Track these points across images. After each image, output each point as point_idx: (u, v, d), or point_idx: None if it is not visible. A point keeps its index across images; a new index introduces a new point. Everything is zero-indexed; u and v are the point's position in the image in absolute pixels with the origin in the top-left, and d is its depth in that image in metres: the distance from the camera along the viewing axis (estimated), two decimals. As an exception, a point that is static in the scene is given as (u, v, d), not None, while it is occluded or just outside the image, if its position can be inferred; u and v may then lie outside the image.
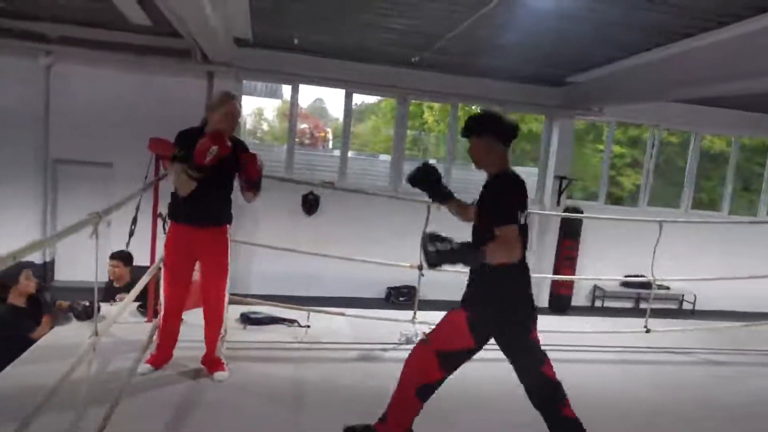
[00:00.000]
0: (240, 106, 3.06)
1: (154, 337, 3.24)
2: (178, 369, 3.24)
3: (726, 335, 5.28)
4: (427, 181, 2.87)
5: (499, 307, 2.61)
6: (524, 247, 2.54)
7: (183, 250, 3.03)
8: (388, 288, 8.29)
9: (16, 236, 7.25)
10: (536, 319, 2.69)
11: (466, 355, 2.67)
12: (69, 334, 3.67)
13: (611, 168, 9.22)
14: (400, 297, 8.27)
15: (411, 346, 4.29)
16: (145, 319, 3.96)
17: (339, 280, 7.65)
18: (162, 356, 3.16)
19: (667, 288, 8.74)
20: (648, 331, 4.73)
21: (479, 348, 2.66)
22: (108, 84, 7.35)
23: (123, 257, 4.62)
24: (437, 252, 2.42)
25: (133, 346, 3.32)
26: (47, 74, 7.28)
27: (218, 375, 3.12)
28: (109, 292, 4.50)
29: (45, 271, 7.54)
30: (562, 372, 3.16)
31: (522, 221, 2.51)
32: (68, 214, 7.69)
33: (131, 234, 3.97)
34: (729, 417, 3.48)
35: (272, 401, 3.09)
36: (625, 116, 8.79)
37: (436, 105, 9.83)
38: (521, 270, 2.62)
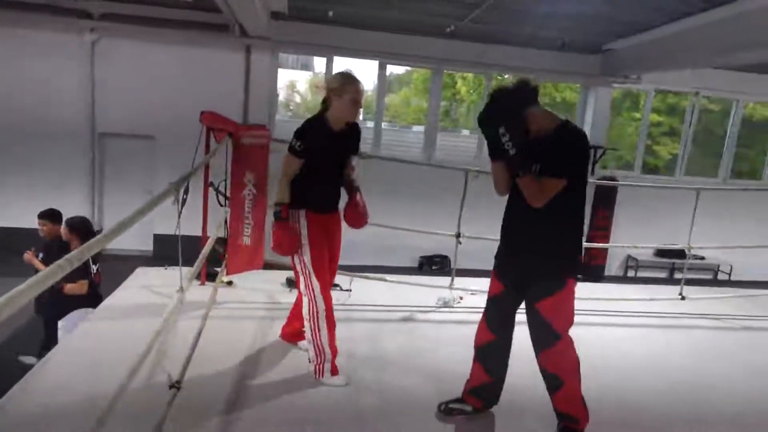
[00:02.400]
0: (362, 87, 2.93)
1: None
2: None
3: (762, 302, 5.29)
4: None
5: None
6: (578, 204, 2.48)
7: (324, 237, 3.00)
8: (421, 257, 8.44)
9: (68, 206, 7.62)
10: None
11: (497, 302, 2.74)
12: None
13: (648, 137, 9.10)
14: (433, 266, 8.43)
15: (448, 309, 4.48)
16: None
17: (373, 249, 7.82)
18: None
19: (702, 258, 8.68)
20: (683, 298, 4.78)
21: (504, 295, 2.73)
22: (149, 59, 7.56)
23: (48, 215, 4.80)
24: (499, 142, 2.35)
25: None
26: (92, 50, 7.52)
27: (302, 343, 3.16)
28: (47, 249, 4.61)
29: (94, 239, 7.93)
30: (596, 336, 3.25)
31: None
32: (114, 185, 8.03)
33: (183, 203, 4.17)
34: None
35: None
36: (663, 84, 8.62)
37: (470, 75, 9.78)
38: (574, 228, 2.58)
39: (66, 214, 7.45)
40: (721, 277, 8.82)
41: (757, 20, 5.08)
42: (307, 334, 2.90)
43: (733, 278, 8.64)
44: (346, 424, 2.69)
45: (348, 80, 2.85)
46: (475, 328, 2.82)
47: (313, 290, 2.88)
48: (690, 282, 5.37)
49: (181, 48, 7.51)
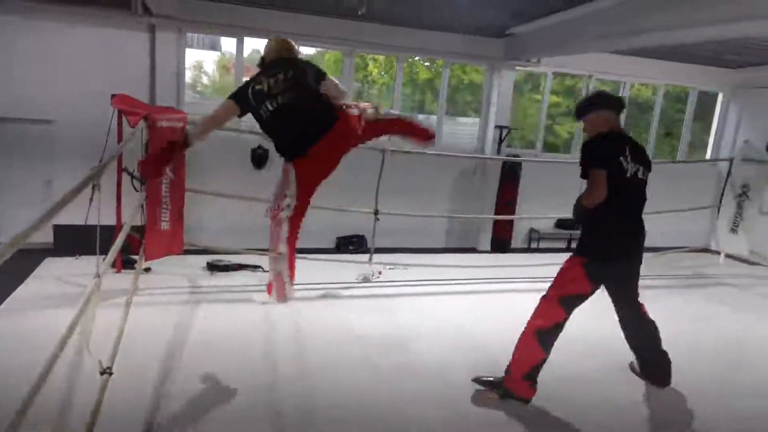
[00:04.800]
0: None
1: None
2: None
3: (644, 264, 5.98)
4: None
5: (604, 251, 3.15)
6: (631, 198, 3.09)
7: (312, 180, 3.35)
8: (338, 237, 8.58)
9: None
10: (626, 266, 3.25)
11: (583, 299, 3.12)
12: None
13: (548, 117, 9.72)
14: (350, 246, 8.59)
15: (368, 284, 4.69)
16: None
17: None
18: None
19: (597, 228, 9.49)
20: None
21: (593, 293, 3.12)
22: (45, 38, 7.05)
23: None
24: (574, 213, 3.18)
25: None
26: (-24, 28, 6.90)
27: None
28: None
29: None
30: (505, 301, 3.58)
31: (629, 171, 3.01)
32: (7, 173, 7.47)
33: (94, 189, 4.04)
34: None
35: (247, 341, 3.37)
36: (560, 67, 9.24)
37: (381, 57, 9.95)
38: (618, 217, 3.11)
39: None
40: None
41: (644, 8, 5.59)
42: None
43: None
44: (271, 397, 2.81)
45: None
46: (395, 300, 3.06)
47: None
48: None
49: (79, 26, 7.06)
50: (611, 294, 3.24)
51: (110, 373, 2.50)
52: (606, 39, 6.47)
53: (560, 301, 3.06)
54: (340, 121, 3.04)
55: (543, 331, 3.06)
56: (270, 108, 2.86)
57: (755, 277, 7.14)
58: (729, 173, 8.08)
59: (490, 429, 2.89)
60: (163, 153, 2.84)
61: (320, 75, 3.14)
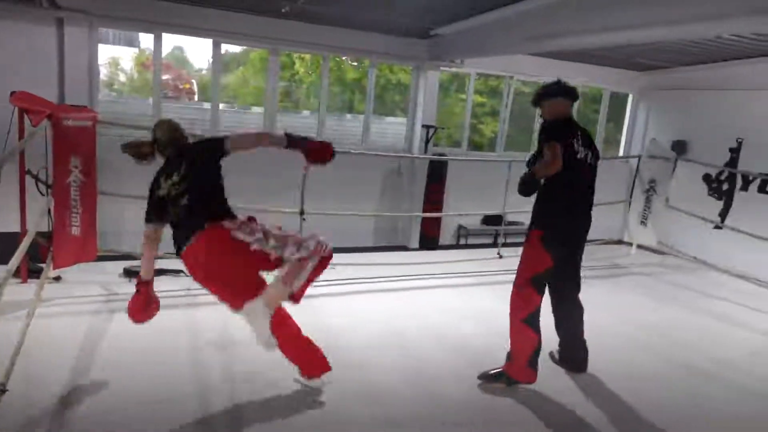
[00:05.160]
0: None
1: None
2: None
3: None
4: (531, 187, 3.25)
5: (556, 222, 3.22)
6: (582, 178, 3.16)
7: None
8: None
9: None
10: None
11: (549, 274, 3.17)
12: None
13: (473, 117, 9.98)
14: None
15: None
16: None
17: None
18: None
19: (521, 224, 9.84)
20: (501, 256, 5.46)
21: (558, 266, 3.24)
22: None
23: None
24: (520, 187, 3.15)
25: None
26: None
27: None
28: None
29: None
30: (435, 296, 3.60)
31: (579, 153, 3.08)
32: None
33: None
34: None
35: (166, 349, 3.23)
36: (483, 68, 9.51)
37: (307, 56, 9.86)
38: (576, 195, 3.19)
39: None
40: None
41: (559, 13, 5.84)
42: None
43: (545, 240, 9.91)
44: (195, 407, 2.71)
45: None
46: (324, 300, 3.04)
47: None
48: (510, 245, 6.14)
49: (-23, 19, 6.54)
50: (557, 272, 3.34)
51: (3, 391, 2.32)
52: (524, 42, 6.72)
53: (531, 283, 3.21)
54: (204, 232, 2.74)
55: (529, 318, 3.24)
56: (174, 211, 2.80)
57: (664, 266, 7.64)
58: (638, 169, 8.60)
59: (423, 427, 2.93)
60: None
61: (220, 146, 2.96)
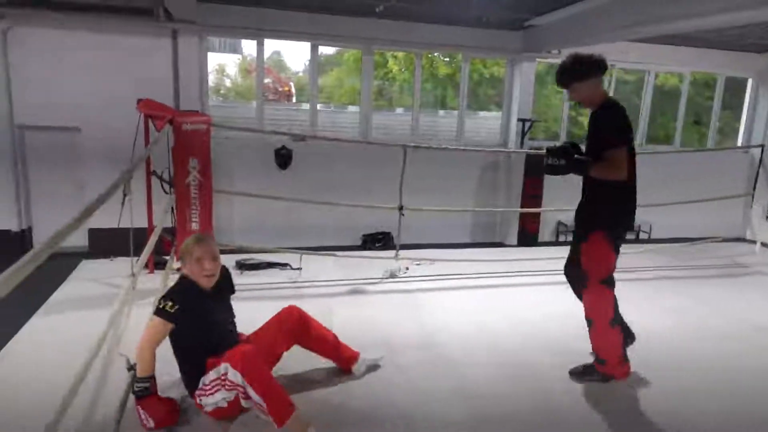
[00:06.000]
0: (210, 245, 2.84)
1: None
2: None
3: (673, 253, 5.86)
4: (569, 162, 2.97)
5: (619, 221, 3.11)
6: (633, 170, 3.02)
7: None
8: (363, 235, 8.60)
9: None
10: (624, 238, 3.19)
11: (614, 269, 3.14)
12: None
13: (571, 108, 9.60)
14: (376, 243, 8.61)
15: (394, 280, 4.69)
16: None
17: (315, 231, 7.93)
18: None
19: (625, 219, 9.35)
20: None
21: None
22: (70, 46, 7.22)
23: None
24: (551, 166, 2.97)
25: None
26: (4, 39, 7.10)
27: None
28: None
29: (23, 237, 7.59)
30: (532, 294, 3.50)
31: (635, 145, 2.98)
32: (40, 179, 7.68)
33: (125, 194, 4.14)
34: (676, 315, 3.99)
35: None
36: (582, 57, 9.11)
37: (400, 54, 9.95)
38: (629, 190, 3.07)
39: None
40: (642, 236, 9.52)
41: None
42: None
43: (653, 236, 9.35)
44: (298, 393, 2.83)
45: (196, 242, 2.78)
46: (421, 295, 3.08)
47: None
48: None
49: (103, 35, 7.22)
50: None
51: (132, 368, 2.57)
52: (629, 28, 6.35)
53: (605, 284, 3.07)
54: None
55: (613, 318, 3.13)
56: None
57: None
58: (761, 160, 7.87)
59: (516, 425, 2.87)
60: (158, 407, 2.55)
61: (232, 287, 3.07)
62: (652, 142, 9.95)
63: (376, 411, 2.79)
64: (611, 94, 9.54)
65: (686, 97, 9.72)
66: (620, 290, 3.19)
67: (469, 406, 2.92)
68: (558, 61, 9.18)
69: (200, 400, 2.61)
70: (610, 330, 3.10)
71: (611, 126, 2.95)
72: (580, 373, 3.26)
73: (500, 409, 2.93)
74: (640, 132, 9.73)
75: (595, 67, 3.00)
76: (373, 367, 3.17)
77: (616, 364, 3.18)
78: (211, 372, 2.55)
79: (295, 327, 2.99)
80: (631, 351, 3.40)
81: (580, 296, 3.30)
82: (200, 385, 2.61)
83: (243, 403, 2.52)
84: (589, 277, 3.06)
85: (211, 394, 2.55)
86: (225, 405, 2.55)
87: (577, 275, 3.22)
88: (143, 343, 2.52)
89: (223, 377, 2.47)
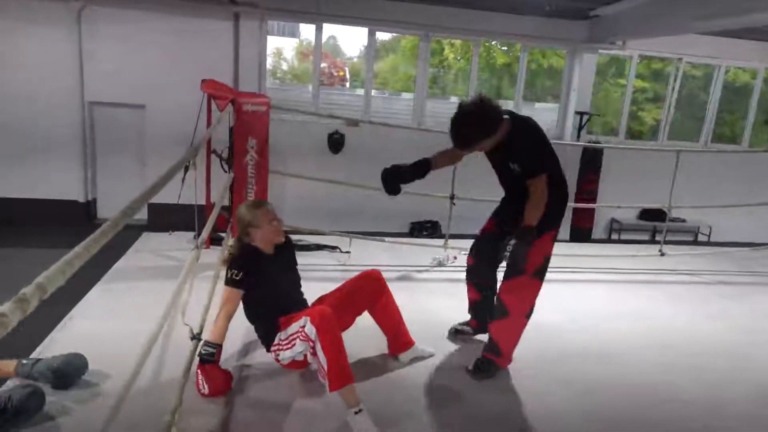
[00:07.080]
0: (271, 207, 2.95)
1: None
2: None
3: (733, 258, 5.60)
4: (398, 179, 3.35)
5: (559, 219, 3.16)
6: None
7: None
8: (412, 222, 8.63)
9: (59, 173, 7.67)
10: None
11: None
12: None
13: (632, 103, 9.28)
14: (423, 231, 8.63)
15: (442, 268, 4.71)
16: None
17: (364, 216, 7.99)
18: None
19: (683, 221, 9.01)
20: (662, 254, 5.03)
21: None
22: (137, 27, 7.51)
23: None
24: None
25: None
26: (78, 18, 7.44)
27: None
28: None
29: (88, 208, 8.00)
30: (578, 291, 3.42)
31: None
32: (106, 153, 8.06)
33: (186, 170, 4.29)
34: (732, 328, 3.85)
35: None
36: (648, 49, 8.78)
37: (458, 42, 9.84)
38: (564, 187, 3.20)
39: (58, 182, 7.49)
40: (701, 238, 9.16)
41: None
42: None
43: (712, 239, 8.98)
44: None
45: (257, 208, 2.85)
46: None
47: None
48: (670, 243, 5.66)
49: (168, 16, 7.47)
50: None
51: (199, 339, 2.70)
52: (706, 20, 6.05)
53: (537, 276, 3.02)
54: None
55: (530, 311, 3.06)
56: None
57: None
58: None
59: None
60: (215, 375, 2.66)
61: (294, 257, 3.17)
62: (718, 140, 9.51)
63: (426, 393, 2.83)
64: (677, 90, 9.24)
65: (758, 94, 9.22)
66: (672, 293, 3.09)
67: (508, 392, 2.93)
68: (623, 52, 8.93)
69: (278, 354, 2.76)
70: (524, 323, 3.04)
71: (527, 155, 3.08)
72: (480, 371, 3.09)
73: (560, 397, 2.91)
74: (706, 130, 9.32)
75: (499, 110, 3.04)
76: (419, 359, 3.18)
77: (510, 357, 3.10)
78: (293, 324, 2.66)
79: (373, 293, 3.03)
80: (680, 356, 3.30)
81: (482, 288, 3.30)
82: (276, 341, 2.75)
83: (309, 358, 2.62)
84: (525, 270, 2.99)
85: (289, 348, 2.67)
86: (301, 359, 2.67)
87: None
88: (220, 311, 2.70)
89: (301, 329, 2.58)
